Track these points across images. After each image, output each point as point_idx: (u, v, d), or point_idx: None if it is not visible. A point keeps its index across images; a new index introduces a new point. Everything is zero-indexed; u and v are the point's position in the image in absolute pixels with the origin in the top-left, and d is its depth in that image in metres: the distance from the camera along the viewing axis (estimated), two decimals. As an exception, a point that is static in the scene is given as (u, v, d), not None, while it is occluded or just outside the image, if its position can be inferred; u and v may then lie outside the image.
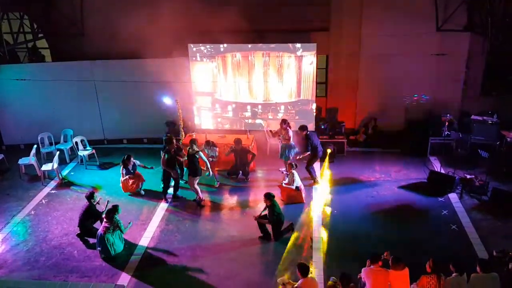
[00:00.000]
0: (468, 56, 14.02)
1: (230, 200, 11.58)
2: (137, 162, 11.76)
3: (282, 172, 11.86)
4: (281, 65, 13.31)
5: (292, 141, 11.96)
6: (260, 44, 13.34)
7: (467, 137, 12.98)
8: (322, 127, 14.04)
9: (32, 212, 11.13)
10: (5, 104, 14.36)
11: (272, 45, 13.20)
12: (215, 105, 14.22)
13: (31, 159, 12.67)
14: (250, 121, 14.09)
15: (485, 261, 7.43)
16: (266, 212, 9.67)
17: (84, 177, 12.89)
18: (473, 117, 13.36)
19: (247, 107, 14.03)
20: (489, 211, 10.57)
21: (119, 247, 9.32)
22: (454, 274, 7.02)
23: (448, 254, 8.47)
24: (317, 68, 13.38)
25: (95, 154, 13.60)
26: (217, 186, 12.13)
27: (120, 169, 11.62)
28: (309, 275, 7.09)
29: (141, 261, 9.20)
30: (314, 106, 13.69)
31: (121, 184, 11.69)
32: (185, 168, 12.03)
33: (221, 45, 13.41)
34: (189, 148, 11.09)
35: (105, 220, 9.18)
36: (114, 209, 9.28)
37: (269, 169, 12.94)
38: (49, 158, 13.43)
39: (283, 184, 11.22)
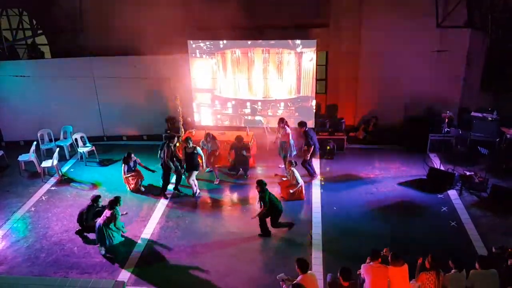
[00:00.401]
0: (468, 52, 13.98)
1: (229, 196, 11.60)
2: (138, 161, 11.77)
3: (279, 167, 11.87)
4: (280, 61, 13.30)
5: (291, 139, 11.96)
6: (260, 41, 13.34)
7: (466, 134, 12.98)
8: (323, 121, 14.03)
9: (32, 209, 11.14)
10: (5, 100, 14.34)
11: (272, 42, 13.20)
12: (214, 102, 14.22)
13: (31, 156, 12.68)
14: (249, 117, 14.09)
15: (484, 258, 7.44)
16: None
17: (84, 173, 12.90)
18: (472, 113, 13.34)
19: (247, 104, 14.03)
20: (489, 207, 10.58)
21: (116, 239, 9.31)
22: (453, 271, 7.04)
23: (448, 251, 8.49)
24: (317, 65, 13.37)
25: (95, 151, 13.62)
26: (216, 182, 12.15)
27: (122, 167, 11.63)
28: (308, 271, 7.09)
29: (141, 257, 9.21)
30: (314, 102, 13.68)
31: (124, 181, 11.74)
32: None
33: (221, 42, 13.40)
34: (185, 147, 11.08)
35: (107, 209, 9.19)
36: (116, 200, 9.30)
37: (269, 166, 12.94)
38: (49, 154, 13.44)
39: (288, 184, 11.23)
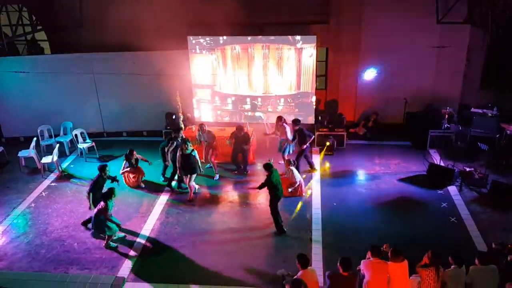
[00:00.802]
0: (468, 49, 13.98)
1: (229, 192, 11.59)
2: (140, 156, 11.73)
3: (279, 163, 11.86)
4: (280, 57, 13.28)
5: (290, 137, 11.94)
6: (260, 37, 13.31)
7: (466, 130, 12.99)
8: (323, 117, 14.03)
9: (32, 205, 11.15)
10: (5, 96, 14.33)
11: (272, 38, 13.17)
12: (214, 98, 14.21)
13: (30, 152, 12.67)
14: (249, 113, 14.08)
15: (484, 254, 7.45)
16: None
17: (84, 169, 12.89)
18: (473, 109, 13.35)
19: (247, 100, 14.01)
20: (489, 203, 10.59)
21: (113, 230, 9.24)
22: (453, 267, 7.04)
23: (447, 247, 8.48)
24: (317, 61, 13.34)
25: (95, 147, 13.60)
26: (216, 178, 12.16)
27: (123, 163, 11.63)
28: (309, 267, 7.10)
29: (141, 253, 9.22)
30: (313, 99, 13.67)
31: (123, 177, 11.73)
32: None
33: (221, 38, 13.37)
34: (181, 149, 10.70)
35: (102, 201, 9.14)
36: (110, 192, 9.14)
37: (269, 162, 12.93)
38: (48, 150, 13.43)
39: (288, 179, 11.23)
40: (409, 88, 14.41)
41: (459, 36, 13.78)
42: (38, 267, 8.89)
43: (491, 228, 9.66)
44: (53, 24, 15.26)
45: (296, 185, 10.96)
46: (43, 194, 11.66)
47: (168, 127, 14.02)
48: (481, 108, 13.30)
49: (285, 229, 9.71)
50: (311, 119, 13.84)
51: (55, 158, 12.48)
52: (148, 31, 12.85)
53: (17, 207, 11.03)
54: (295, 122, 11.81)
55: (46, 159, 12.54)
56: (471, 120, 13.10)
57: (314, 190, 11.43)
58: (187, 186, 11.11)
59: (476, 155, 12.45)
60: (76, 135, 13.56)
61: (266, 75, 13.57)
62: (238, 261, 8.88)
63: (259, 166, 12.74)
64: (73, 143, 13.88)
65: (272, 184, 9.47)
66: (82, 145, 13.48)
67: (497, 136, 12.76)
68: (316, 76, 13.65)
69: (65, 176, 12.54)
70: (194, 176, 10.97)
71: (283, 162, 12.08)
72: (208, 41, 13.49)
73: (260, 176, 12.25)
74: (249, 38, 13.30)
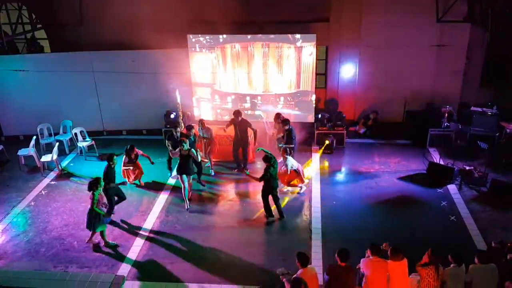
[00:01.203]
0: (468, 47, 13.98)
1: (229, 191, 11.60)
2: (140, 152, 11.62)
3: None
4: (280, 56, 13.27)
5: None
6: (260, 35, 13.30)
7: (466, 129, 12.98)
8: (323, 115, 14.02)
9: (32, 203, 11.14)
10: (4, 95, 14.32)
11: (272, 36, 13.16)
12: (214, 96, 14.20)
13: (30, 150, 12.67)
14: (249, 112, 14.06)
15: (483, 252, 7.46)
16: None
17: (84, 168, 12.89)
18: (472, 108, 13.34)
19: (247, 98, 14.01)
20: (488, 202, 10.60)
21: (101, 225, 9.11)
22: (452, 265, 7.04)
23: (447, 245, 8.48)
24: (316, 59, 13.34)
25: (95, 145, 13.60)
26: (212, 175, 12.22)
27: (123, 158, 11.59)
28: (308, 266, 7.10)
29: (140, 251, 9.22)
30: (313, 97, 13.66)
31: (123, 174, 11.67)
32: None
33: (220, 36, 13.36)
34: (180, 149, 10.51)
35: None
36: (95, 181, 8.91)
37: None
38: (48, 149, 13.42)
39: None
40: (409, 87, 14.40)
41: (459, 34, 13.76)
42: (38, 265, 8.89)
43: (491, 226, 9.66)
44: (53, 22, 15.25)
45: (293, 168, 10.88)
46: (43, 192, 11.66)
47: (168, 126, 14.01)
48: (481, 106, 13.29)
49: (274, 215, 10.08)
50: (311, 118, 13.84)
51: (55, 156, 12.47)
52: (148, 29, 12.82)
53: (17, 206, 11.03)
54: (285, 122, 11.64)
55: (46, 158, 12.53)
56: (471, 118, 13.08)
57: (313, 188, 11.43)
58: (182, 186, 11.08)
59: (476, 154, 12.45)
60: (75, 134, 13.55)
61: (266, 74, 13.56)
62: (238, 259, 8.89)
63: (259, 164, 12.75)
64: (73, 141, 13.87)
65: (267, 177, 9.69)
66: (81, 144, 13.48)
67: (497, 134, 12.75)
68: (316, 74, 13.65)
69: (64, 175, 12.53)
70: (190, 177, 10.91)
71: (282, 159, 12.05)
72: (208, 40, 13.48)
73: (260, 173, 12.23)
74: (249, 36, 13.29)
